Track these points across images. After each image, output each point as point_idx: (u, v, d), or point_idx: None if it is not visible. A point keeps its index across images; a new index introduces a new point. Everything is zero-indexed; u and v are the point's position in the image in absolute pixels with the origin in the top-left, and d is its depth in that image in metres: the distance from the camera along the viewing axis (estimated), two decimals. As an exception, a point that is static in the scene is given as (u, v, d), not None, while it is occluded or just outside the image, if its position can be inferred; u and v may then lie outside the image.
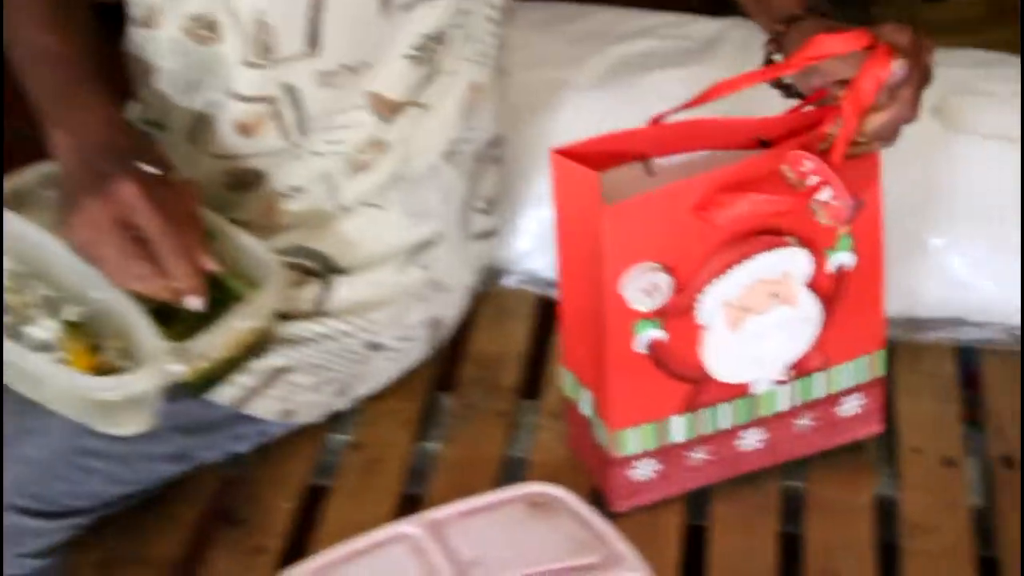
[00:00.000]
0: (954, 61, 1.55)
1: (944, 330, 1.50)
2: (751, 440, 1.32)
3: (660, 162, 1.25)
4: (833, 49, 1.17)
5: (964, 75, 1.56)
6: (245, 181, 1.35)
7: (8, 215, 1.22)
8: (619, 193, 1.19)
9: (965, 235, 1.50)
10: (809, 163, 1.18)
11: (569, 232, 1.26)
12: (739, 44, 1.64)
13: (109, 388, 1.15)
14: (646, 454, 1.30)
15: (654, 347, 1.25)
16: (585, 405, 1.32)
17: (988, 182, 1.51)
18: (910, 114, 1.17)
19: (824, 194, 1.19)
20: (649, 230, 1.20)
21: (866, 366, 1.33)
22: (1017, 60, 1.65)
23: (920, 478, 1.35)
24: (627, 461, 1.29)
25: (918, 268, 1.48)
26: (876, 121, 1.17)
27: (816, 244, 1.26)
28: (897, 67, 1.15)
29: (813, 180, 1.19)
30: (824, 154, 1.18)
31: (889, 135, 1.19)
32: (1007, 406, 1.43)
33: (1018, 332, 1.49)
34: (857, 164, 1.21)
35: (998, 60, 1.65)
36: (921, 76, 1.17)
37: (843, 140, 1.17)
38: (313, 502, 1.35)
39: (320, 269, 1.35)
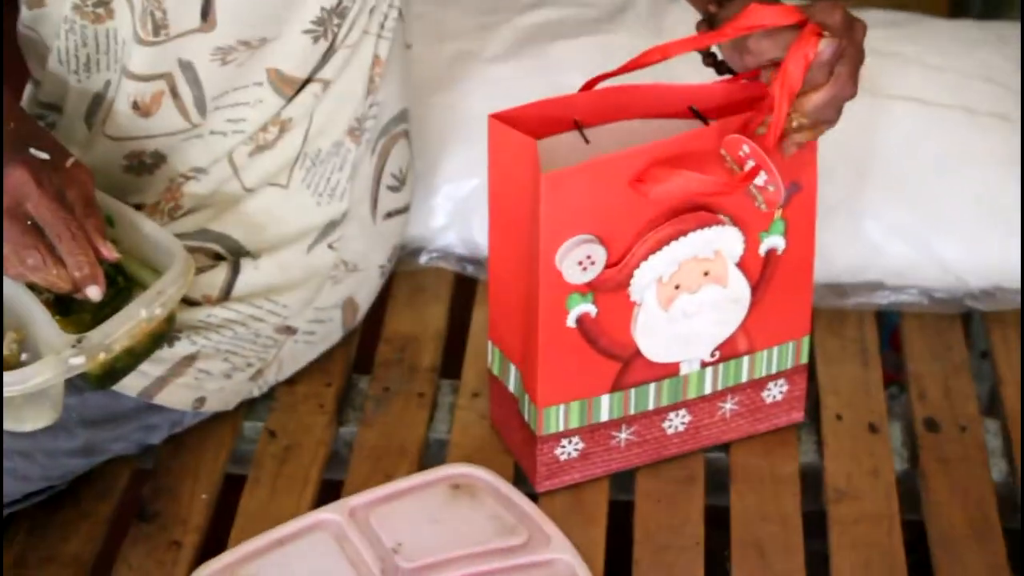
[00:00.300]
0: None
1: (863, 295, 1.50)
2: (676, 422, 1.31)
3: (595, 130, 1.23)
4: (765, 19, 1.16)
5: (870, 35, 1.55)
6: (145, 164, 1.32)
7: None
8: (555, 161, 1.18)
9: (880, 198, 1.50)
10: (747, 148, 1.17)
11: (503, 201, 1.24)
12: (645, 11, 1.64)
13: (8, 383, 1.12)
14: (572, 432, 1.28)
15: (585, 322, 1.24)
16: (512, 382, 1.30)
17: (901, 145, 1.51)
18: (849, 92, 1.17)
19: (760, 179, 1.18)
20: (585, 200, 1.19)
21: (791, 352, 1.33)
22: (923, 19, 1.65)
23: (844, 445, 1.35)
24: (553, 439, 1.28)
25: (835, 233, 1.48)
26: (814, 101, 1.16)
27: (749, 224, 1.25)
28: (824, 45, 1.14)
29: (750, 164, 1.18)
30: (762, 138, 1.17)
31: (830, 115, 1.18)
32: (928, 369, 1.43)
33: (935, 294, 1.49)
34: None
35: (904, 20, 1.65)
36: (856, 53, 1.17)
37: (777, 122, 1.16)
38: (229, 492, 1.32)
39: (226, 252, 1.32)
